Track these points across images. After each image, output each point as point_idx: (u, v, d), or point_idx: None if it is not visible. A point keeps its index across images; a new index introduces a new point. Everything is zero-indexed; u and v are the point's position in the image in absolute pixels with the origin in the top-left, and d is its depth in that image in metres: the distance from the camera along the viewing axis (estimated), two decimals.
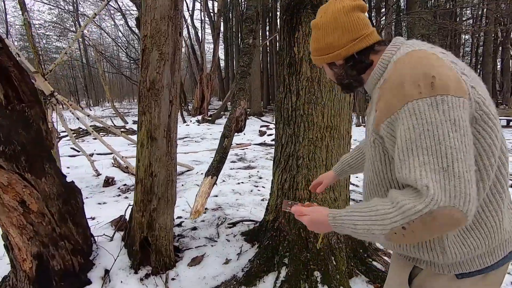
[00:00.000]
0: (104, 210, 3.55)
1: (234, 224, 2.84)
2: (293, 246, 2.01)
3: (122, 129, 10.37)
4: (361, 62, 0.82)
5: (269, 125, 9.44)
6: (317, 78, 1.91)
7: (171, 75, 2.06)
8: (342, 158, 1.28)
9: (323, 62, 0.88)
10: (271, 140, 8.01)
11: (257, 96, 14.97)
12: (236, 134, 1.90)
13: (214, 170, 2.01)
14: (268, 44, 18.10)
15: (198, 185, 4.54)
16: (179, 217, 3.16)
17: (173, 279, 2.11)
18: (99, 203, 3.91)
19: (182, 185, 4.58)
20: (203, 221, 3.07)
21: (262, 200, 3.76)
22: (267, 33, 17.76)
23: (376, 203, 0.70)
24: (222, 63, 25.40)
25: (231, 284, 1.99)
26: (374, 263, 2.24)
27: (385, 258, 2.36)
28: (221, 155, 1.95)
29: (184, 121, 12.36)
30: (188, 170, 5.40)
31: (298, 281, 1.87)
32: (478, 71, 18.00)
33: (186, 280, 2.09)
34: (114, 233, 2.52)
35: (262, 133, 8.74)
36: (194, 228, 2.85)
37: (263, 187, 4.34)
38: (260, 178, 4.84)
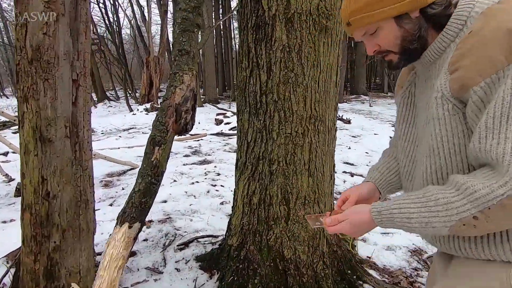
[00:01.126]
0: (8, 231, 2.65)
1: (186, 245, 2.20)
2: (268, 284, 1.45)
3: None
4: (445, 9, 0.65)
5: (226, 113, 8.74)
6: (297, 47, 1.32)
7: (71, 39, 1.30)
8: (374, 167, 0.95)
9: (388, 16, 0.66)
10: (229, 129, 7.37)
11: (212, 82, 14.06)
12: (178, 135, 1.19)
13: (135, 211, 1.30)
14: (222, 26, 17.09)
15: None
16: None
17: None
18: (4, 221, 2.95)
19: (123, 189, 3.77)
20: (146, 240, 2.37)
21: (222, 203, 3.16)
22: (220, 15, 16.70)
23: (434, 191, 0.61)
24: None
25: None
26: (365, 285, 1.80)
27: (377, 277, 1.95)
28: (149, 181, 1.23)
29: (131, 110, 11.06)
30: (132, 169, 4.55)
31: None
32: None
33: None
34: (4, 275, 1.72)
35: (218, 122, 8.04)
36: (132, 254, 2.14)
37: (221, 186, 3.74)
38: (218, 174, 4.21)
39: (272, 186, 1.46)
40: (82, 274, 1.50)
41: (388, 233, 2.77)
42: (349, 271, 1.80)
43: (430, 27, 0.67)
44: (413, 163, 0.76)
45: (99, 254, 2.14)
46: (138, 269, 1.98)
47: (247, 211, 1.55)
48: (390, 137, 1.04)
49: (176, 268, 1.95)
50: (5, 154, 5.29)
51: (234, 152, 5.74)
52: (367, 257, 2.27)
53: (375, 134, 6.91)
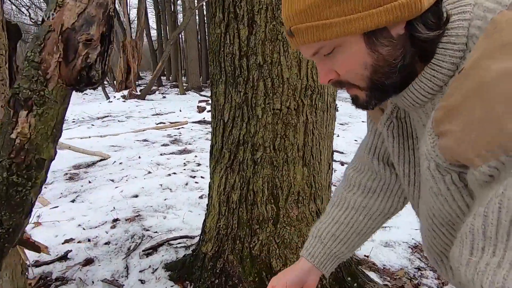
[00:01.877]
0: None
1: (154, 249, 1.84)
2: None
3: None
4: (438, 23, 0.41)
5: (208, 100, 8.28)
6: None
7: None
8: (317, 230, 0.71)
9: (354, 31, 0.40)
10: None
11: (195, 69, 13.46)
12: (75, 90, 0.67)
13: None
14: (205, 9, 16.32)
15: (112, 180, 3.35)
16: (66, 241, 2.02)
17: None
18: None
19: (90, 182, 3.35)
20: (107, 243, 2.00)
21: (201, 197, 2.80)
22: None
23: None
24: (154, 33, 22.60)
25: None
26: None
27: (379, 282, 1.67)
28: (5, 178, 0.56)
29: (107, 98, 10.38)
30: (101, 160, 4.11)
31: None
32: None
33: None
34: None
35: (201, 110, 7.59)
36: (89, 262, 1.77)
37: (202, 177, 3.38)
38: (199, 165, 3.85)
39: (257, 179, 1.12)
40: None
41: (385, 227, 2.52)
42: (349, 278, 1.50)
43: (416, 52, 0.43)
44: (419, 207, 0.56)
45: (42, 264, 1.75)
46: (93, 282, 1.61)
47: (225, 211, 1.21)
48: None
49: (140, 280, 1.60)
50: None
51: None
52: (365, 256, 2.01)
53: (363, 121, 6.71)
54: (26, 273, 1.25)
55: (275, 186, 1.12)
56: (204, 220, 1.43)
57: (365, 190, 0.68)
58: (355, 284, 1.52)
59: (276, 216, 1.14)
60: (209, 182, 1.36)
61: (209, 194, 1.38)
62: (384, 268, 1.94)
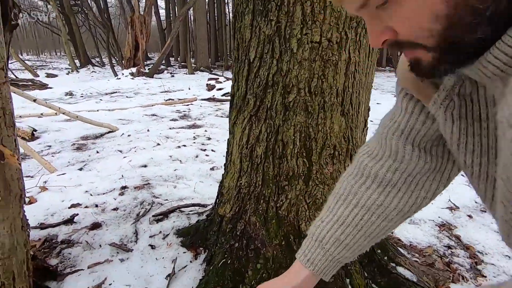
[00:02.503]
0: None
1: (165, 215, 1.73)
2: (277, 270, 0.99)
3: (29, 83, 8.05)
4: None
5: (218, 78, 8.07)
6: None
7: None
8: (318, 231, 0.59)
9: None
10: (222, 95, 6.77)
11: (204, 48, 13.13)
12: None
13: None
14: None
15: (120, 151, 3.25)
16: (73, 206, 1.92)
17: None
18: None
19: (98, 152, 3.25)
20: (116, 209, 1.89)
21: (212, 169, 2.68)
22: None
23: None
24: (162, 12, 22.11)
25: None
26: (399, 268, 1.38)
27: (416, 257, 1.53)
28: None
29: (115, 75, 10.25)
30: (109, 132, 4.01)
31: None
32: None
33: None
34: None
35: (210, 88, 7.40)
36: (96, 226, 1.67)
37: (212, 150, 3.25)
38: (209, 139, 3.71)
39: (287, 128, 0.96)
40: (3, 255, 1.01)
41: None
42: (379, 251, 1.36)
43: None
44: (493, 204, 0.43)
45: (48, 227, 1.66)
46: (100, 246, 1.51)
47: (247, 167, 1.06)
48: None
49: (150, 245, 1.49)
50: None
51: (227, 117, 5.17)
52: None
53: (377, 103, 6.45)
54: (28, 230, 1.14)
55: (309, 136, 0.96)
56: (221, 182, 1.29)
57: (383, 183, 0.55)
58: (385, 257, 1.38)
59: (308, 172, 0.99)
60: (228, 139, 1.21)
61: (227, 152, 1.23)
62: (410, 244, 1.79)
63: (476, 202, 2.50)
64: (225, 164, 1.27)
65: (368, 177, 0.56)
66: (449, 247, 1.82)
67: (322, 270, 0.57)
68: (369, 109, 1.20)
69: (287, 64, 0.90)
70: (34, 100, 3.31)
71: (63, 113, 3.61)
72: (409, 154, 0.53)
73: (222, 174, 1.29)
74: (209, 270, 1.12)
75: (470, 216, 2.23)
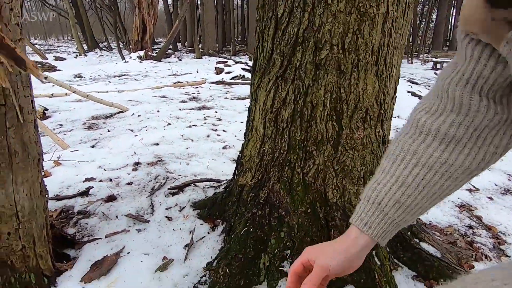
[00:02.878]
0: None
1: (180, 189, 1.70)
2: (301, 238, 0.96)
3: (38, 65, 8.03)
4: None
5: (227, 61, 7.94)
6: None
7: None
8: (375, 194, 0.53)
9: None
10: (231, 79, 6.67)
11: (211, 32, 12.91)
12: None
13: None
14: None
15: (131, 130, 3.23)
16: (87, 179, 1.92)
17: None
18: None
19: (109, 131, 3.24)
20: (130, 183, 1.88)
21: (224, 148, 2.64)
22: None
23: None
24: None
25: None
26: (422, 244, 1.34)
27: (437, 236, 1.49)
28: None
29: (123, 58, 10.18)
30: (120, 112, 3.99)
31: None
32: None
33: None
34: None
35: (219, 71, 7.29)
36: (112, 198, 1.66)
37: (224, 130, 3.21)
38: (220, 120, 3.67)
39: (317, 88, 0.90)
40: (23, 218, 1.00)
41: None
42: None
43: None
44: None
45: (63, 198, 1.65)
46: (116, 217, 1.50)
47: (271, 133, 1.01)
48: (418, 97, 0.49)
49: (166, 216, 1.47)
50: None
51: (237, 100, 5.14)
52: None
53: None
54: (46, 196, 1.12)
55: (340, 98, 0.90)
56: (241, 152, 1.24)
57: (445, 140, 0.49)
58: (409, 233, 1.34)
59: (337, 137, 0.93)
60: (249, 106, 1.16)
61: (248, 120, 1.18)
62: (430, 224, 1.75)
63: (496, 185, 2.43)
64: (245, 134, 1.22)
65: (428, 134, 0.50)
66: (470, 227, 1.77)
67: (380, 235, 0.52)
68: (399, 76, 1.13)
69: (319, 17, 0.83)
70: (46, 78, 3.29)
71: (74, 92, 3.59)
72: (475, 105, 0.47)
73: (242, 144, 1.24)
74: (230, 239, 1.09)
75: (490, 198, 2.17)
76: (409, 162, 0.51)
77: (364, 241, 0.51)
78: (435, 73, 9.96)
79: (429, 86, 7.84)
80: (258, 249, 1.02)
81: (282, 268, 0.97)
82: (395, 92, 1.11)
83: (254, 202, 1.07)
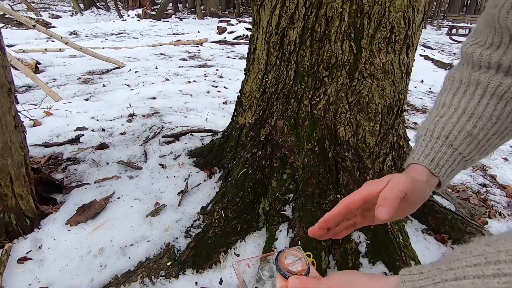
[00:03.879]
0: None
1: (176, 137, 1.59)
2: (307, 180, 0.85)
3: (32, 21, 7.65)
4: None
5: (230, 20, 7.49)
6: None
7: None
8: (439, 128, 0.44)
9: None
10: (234, 38, 6.33)
11: None
12: None
13: None
14: None
15: (127, 85, 3.07)
16: (79, 128, 1.80)
17: (23, 259, 0.90)
18: None
19: (104, 86, 3.08)
20: (124, 133, 1.76)
21: (225, 103, 2.50)
22: None
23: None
24: None
25: (159, 269, 0.85)
26: (436, 197, 1.24)
27: (449, 190, 1.38)
28: None
29: (120, 16, 9.69)
30: (116, 68, 3.79)
31: (315, 254, 0.79)
32: None
33: (55, 260, 0.90)
34: None
35: (221, 30, 6.90)
36: (103, 146, 1.55)
37: (225, 87, 3.04)
38: (221, 77, 3.48)
39: None
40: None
41: None
42: None
43: None
44: None
45: (53, 145, 1.55)
46: (107, 163, 1.40)
47: (276, 59, 0.86)
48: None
49: (160, 164, 1.37)
50: None
51: (240, 59, 4.87)
52: None
53: None
54: (24, 132, 1.01)
55: (361, 10, 0.74)
56: (240, 90, 1.10)
57: (504, 70, 0.42)
58: None
59: (354, 60, 0.78)
60: (251, 34, 0.99)
61: (249, 52, 1.03)
62: None
63: (510, 147, 2.30)
64: (245, 69, 1.07)
65: (489, 68, 0.42)
66: (484, 185, 1.67)
67: (448, 175, 0.44)
68: (425, 2, 0.94)
69: None
70: (34, 26, 3.07)
71: (66, 43, 3.38)
72: None
73: (242, 81, 1.10)
74: (227, 182, 0.99)
75: (505, 159, 2.05)
76: (474, 92, 0.43)
77: (416, 172, 0.43)
78: (450, 38, 9.41)
79: (442, 50, 7.42)
80: (258, 192, 0.92)
81: (283, 213, 0.87)
82: (423, 18, 0.93)
83: (254, 142, 0.95)
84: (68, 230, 1.00)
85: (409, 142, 1.22)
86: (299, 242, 0.81)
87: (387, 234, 0.84)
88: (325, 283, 0.43)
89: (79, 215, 1.06)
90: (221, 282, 0.84)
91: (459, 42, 9.00)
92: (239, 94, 1.12)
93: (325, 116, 0.83)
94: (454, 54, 7.07)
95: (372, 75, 0.79)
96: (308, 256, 0.48)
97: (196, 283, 0.84)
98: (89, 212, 1.08)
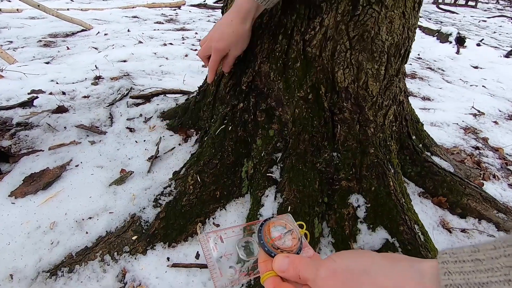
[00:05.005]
0: None
1: (147, 99, 1.40)
2: (298, 136, 0.71)
3: None
4: None
5: None
6: None
7: None
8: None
9: None
10: (215, 2, 5.88)
11: None
12: None
13: None
14: None
15: (95, 48, 2.75)
16: (34, 91, 1.56)
17: None
18: None
19: (68, 48, 2.75)
20: (87, 97, 1.55)
21: (204, 66, 2.27)
22: None
23: None
24: None
25: (123, 244, 0.71)
26: (434, 158, 1.15)
27: (444, 148, 1.29)
28: None
29: None
30: (83, 30, 3.42)
31: (308, 221, 0.67)
32: None
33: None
34: None
35: None
36: (61, 110, 1.34)
37: None
38: (199, 40, 3.18)
39: None
40: None
41: (428, 108, 2.09)
42: (413, 137, 1.10)
43: None
44: None
45: (7, 108, 1.33)
46: (65, 128, 1.21)
47: None
48: None
49: (128, 128, 1.19)
50: None
51: None
52: None
53: None
54: None
55: None
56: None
57: None
58: (420, 145, 1.13)
59: None
60: None
61: None
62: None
63: (500, 111, 2.26)
64: (223, 5, 0.88)
65: None
66: (476, 148, 1.61)
67: None
68: None
69: None
70: None
71: None
72: None
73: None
74: (202, 145, 0.83)
75: (495, 122, 2.00)
76: None
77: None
78: (437, 7, 9.24)
79: (430, 19, 7.27)
80: (240, 153, 0.78)
81: (270, 175, 0.74)
82: None
83: (234, 93, 0.79)
84: (12, 203, 0.84)
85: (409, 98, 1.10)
86: (289, 208, 0.68)
87: (390, 196, 0.73)
88: (325, 268, 0.30)
89: (26, 186, 0.89)
90: (197, 256, 0.71)
91: (446, 11, 8.85)
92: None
93: (321, 55, 0.67)
94: (441, 22, 6.94)
95: (380, 1, 0.63)
96: (301, 227, 0.35)
97: (168, 258, 0.71)
98: (39, 182, 0.91)
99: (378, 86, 0.71)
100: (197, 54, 0.69)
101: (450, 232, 1.01)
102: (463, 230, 1.02)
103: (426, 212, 1.06)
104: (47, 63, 2.34)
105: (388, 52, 0.69)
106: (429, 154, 1.14)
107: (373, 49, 0.67)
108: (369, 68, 0.69)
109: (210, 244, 0.31)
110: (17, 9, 3.94)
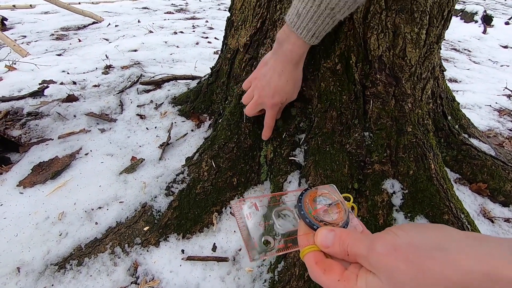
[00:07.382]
0: None
1: (157, 84, 1.34)
2: (324, 113, 0.62)
3: None
4: None
5: None
6: None
7: None
8: None
9: None
10: None
11: None
12: None
13: None
14: None
15: (106, 39, 2.72)
16: (45, 82, 1.54)
17: None
18: None
19: (80, 41, 2.74)
20: (98, 85, 1.50)
21: (216, 53, 2.21)
22: None
23: None
24: None
25: (134, 236, 0.66)
26: (472, 140, 1.04)
27: (483, 131, 1.17)
28: None
29: None
30: (94, 23, 3.40)
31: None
32: None
33: (1, 230, 0.71)
34: None
35: None
36: (71, 99, 1.31)
37: (216, 38, 2.72)
38: (211, 28, 3.12)
39: None
40: None
41: (456, 90, 1.94)
42: (449, 117, 0.99)
43: None
44: None
45: (11, 99, 1.30)
46: (75, 116, 1.16)
47: None
48: None
49: (139, 115, 1.14)
50: None
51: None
52: None
53: None
54: None
55: None
56: (230, 7, 0.84)
57: None
58: (457, 126, 1.02)
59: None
60: None
61: None
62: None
63: None
64: None
65: None
66: None
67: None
68: None
69: None
70: None
71: None
72: None
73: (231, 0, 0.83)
74: (217, 125, 0.76)
75: None
76: None
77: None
78: None
79: None
80: (258, 135, 0.70)
81: (293, 158, 0.66)
82: None
83: (251, 68, 0.71)
84: (21, 193, 0.80)
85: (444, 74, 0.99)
86: None
87: (431, 180, 0.64)
88: (383, 242, 0.24)
89: (35, 175, 0.85)
90: (214, 248, 0.65)
91: None
92: (229, 14, 0.85)
93: (351, 18, 0.58)
94: (464, 2, 6.54)
95: None
96: (347, 199, 0.30)
97: (183, 251, 0.65)
98: (48, 171, 0.86)
99: (418, 54, 0.61)
100: (244, 113, 0.64)
101: (493, 222, 0.91)
102: (507, 220, 0.91)
103: (464, 200, 0.96)
104: (59, 55, 2.33)
105: (430, 13, 0.59)
106: (466, 136, 1.03)
107: (413, 9, 0.57)
108: (407, 32, 0.59)
109: (243, 212, 0.25)
110: (30, 5, 3.96)
